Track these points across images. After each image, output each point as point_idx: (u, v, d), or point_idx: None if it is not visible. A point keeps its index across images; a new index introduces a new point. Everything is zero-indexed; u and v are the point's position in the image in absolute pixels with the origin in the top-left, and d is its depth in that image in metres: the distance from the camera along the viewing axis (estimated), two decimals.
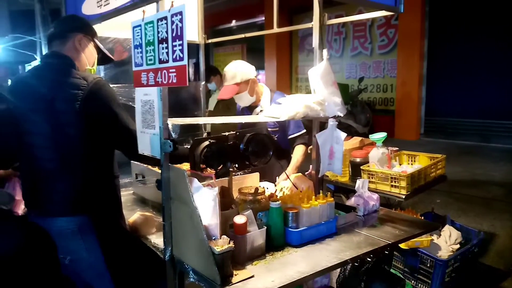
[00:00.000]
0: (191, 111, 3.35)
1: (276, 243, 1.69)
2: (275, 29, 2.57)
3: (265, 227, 1.64)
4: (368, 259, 1.82)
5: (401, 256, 2.86)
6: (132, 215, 2.04)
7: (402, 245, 2.59)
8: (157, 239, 1.87)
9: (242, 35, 3.11)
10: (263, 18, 11.13)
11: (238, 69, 2.67)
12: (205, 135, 2.99)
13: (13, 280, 0.80)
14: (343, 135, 2.08)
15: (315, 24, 2.09)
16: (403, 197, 2.62)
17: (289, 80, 11.43)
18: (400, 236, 1.88)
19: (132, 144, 1.72)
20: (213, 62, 12.84)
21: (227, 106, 4.70)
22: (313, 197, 1.83)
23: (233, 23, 12.57)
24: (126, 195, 2.58)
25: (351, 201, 2.15)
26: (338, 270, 2.13)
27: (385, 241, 1.79)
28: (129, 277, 1.95)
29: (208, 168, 1.88)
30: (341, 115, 2.05)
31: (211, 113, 4.78)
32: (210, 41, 3.13)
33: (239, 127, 2.54)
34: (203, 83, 3.20)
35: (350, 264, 2.05)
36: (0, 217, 0.88)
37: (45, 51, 6.36)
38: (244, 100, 2.75)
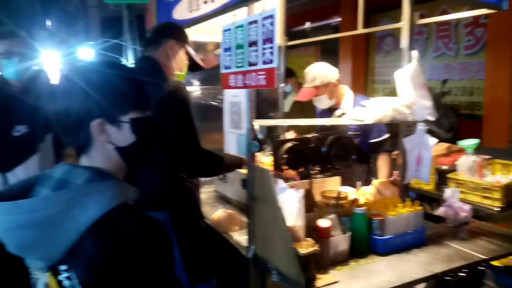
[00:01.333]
0: (268, 113, 3.39)
1: (359, 249, 1.65)
2: (360, 30, 2.50)
3: (350, 232, 1.60)
4: (460, 274, 1.70)
5: (492, 273, 2.63)
6: (215, 212, 2.11)
7: (494, 262, 2.37)
8: (239, 237, 1.92)
9: (324, 37, 3.08)
10: (338, 20, 10.90)
11: (318, 72, 2.63)
12: (282, 136, 3.00)
13: (136, 273, 0.85)
14: (433, 140, 1.96)
15: (405, 23, 2.00)
16: (497, 209, 2.40)
17: (364, 82, 11.05)
18: (496, 251, 1.74)
19: (184, 153, 1.74)
20: (286, 64, 12.86)
21: (302, 108, 4.66)
22: (399, 204, 1.75)
23: (307, 25, 12.48)
24: (208, 192, 2.68)
25: (440, 211, 2.02)
26: (424, 283, 2.01)
27: (480, 256, 1.66)
28: (204, 276, 1.98)
29: (289, 170, 1.90)
30: (432, 119, 1.93)
31: (286, 114, 4.77)
32: (290, 43, 3.14)
33: (317, 130, 2.51)
34: (282, 85, 3.22)
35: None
36: (130, 212, 0.93)
37: (131, 54, 6.86)
38: (323, 103, 2.71)
